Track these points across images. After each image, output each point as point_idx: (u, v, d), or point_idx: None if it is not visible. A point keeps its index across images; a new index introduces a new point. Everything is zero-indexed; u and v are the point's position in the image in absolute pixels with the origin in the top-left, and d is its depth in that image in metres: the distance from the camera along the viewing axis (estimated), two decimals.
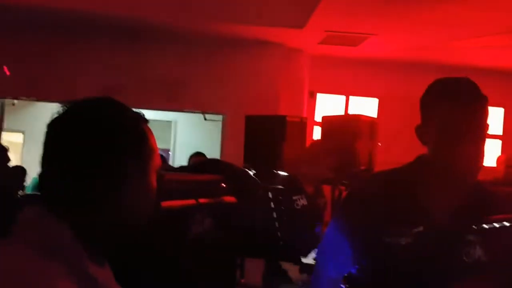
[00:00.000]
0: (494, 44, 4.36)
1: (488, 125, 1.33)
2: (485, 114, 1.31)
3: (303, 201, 2.25)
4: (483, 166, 1.35)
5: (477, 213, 1.34)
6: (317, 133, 4.77)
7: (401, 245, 1.29)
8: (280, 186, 2.26)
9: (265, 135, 3.39)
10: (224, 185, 1.68)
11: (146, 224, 0.83)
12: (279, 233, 2.06)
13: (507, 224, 1.33)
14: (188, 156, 4.56)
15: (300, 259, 2.19)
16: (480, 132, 1.30)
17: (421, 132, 1.35)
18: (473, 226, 1.33)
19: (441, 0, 3.45)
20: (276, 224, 2.07)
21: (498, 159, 4.52)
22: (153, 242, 1.41)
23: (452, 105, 1.29)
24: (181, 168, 2.53)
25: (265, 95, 4.76)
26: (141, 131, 0.82)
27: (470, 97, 1.30)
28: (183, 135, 6.89)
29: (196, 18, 4.28)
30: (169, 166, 3.95)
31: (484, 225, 1.33)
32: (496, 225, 1.34)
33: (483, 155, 1.33)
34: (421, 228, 1.31)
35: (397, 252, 1.30)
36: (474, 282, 1.27)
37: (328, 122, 3.56)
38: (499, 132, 5.38)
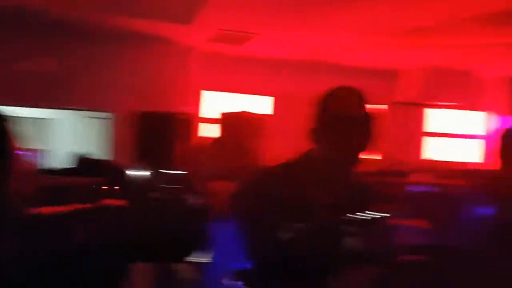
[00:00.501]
0: (380, 44, 4.71)
1: (371, 131, 1.48)
2: (368, 120, 1.47)
3: (194, 200, 2.20)
4: (367, 160, 1.48)
5: (357, 206, 1.43)
6: (208, 131, 4.74)
7: (286, 240, 1.32)
8: (169, 185, 2.19)
9: (155, 133, 3.27)
10: (106, 188, 1.55)
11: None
12: (168, 234, 1.99)
13: (381, 215, 1.44)
14: (70, 156, 4.19)
15: (191, 258, 2.14)
16: (364, 134, 1.46)
17: (314, 133, 1.46)
18: (352, 217, 1.40)
19: (329, 0, 3.62)
20: (165, 224, 2.00)
21: (382, 153, 4.91)
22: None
23: (345, 116, 1.43)
24: (60, 171, 2.32)
25: (155, 92, 4.59)
26: None
27: (355, 107, 1.45)
28: (64, 134, 6.33)
29: (76, 6, 3.93)
30: (47, 168, 3.59)
31: (362, 216, 1.42)
32: (372, 216, 1.44)
33: (363, 149, 1.45)
34: (304, 223, 1.35)
35: (283, 247, 1.32)
36: (353, 272, 1.34)
37: (226, 119, 3.56)
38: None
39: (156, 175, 2.31)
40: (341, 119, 1.42)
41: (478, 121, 6.30)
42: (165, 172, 2.37)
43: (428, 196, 2.96)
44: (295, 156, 1.50)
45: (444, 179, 3.82)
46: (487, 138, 6.23)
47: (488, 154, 6.14)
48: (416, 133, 6.10)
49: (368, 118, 1.46)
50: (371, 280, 1.36)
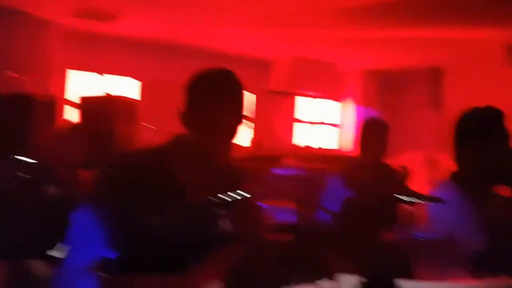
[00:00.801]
0: (252, 33, 4.81)
1: (243, 112, 1.48)
2: (240, 101, 1.47)
3: (54, 190, 2.02)
4: (238, 145, 1.50)
5: (226, 188, 1.45)
6: (71, 114, 4.38)
7: (156, 225, 1.28)
8: (26, 175, 1.97)
9: (9, 116, 2.88)
10: None
11: None
12: (22, 226, 1.80)
13: (248, 196, 1.48)
14: None
15: (52, 253, 1.96)
16: (234, 118, 1.45)
17: (184, 116, 1.42)
18: (221, 200, 1.42)
19: None
20: (18, 216, 1.81)
21: (250, 140, 5.09)
22: None
23: (214, 97, 1.41)
24: None
25: (10, 70, 4.07)
26: None
27: (230, 89, 1.44)
28: None
29: None
30: None
31: (231, 198, 1.44)
32: (240, 197, 1.48)
33: (233, 133, 1.46)
34: (176, 207, 1.32)
35: (154, 233, 1.28)
36: (223, 254, 1.36)
37: (86, 103, 3.31)
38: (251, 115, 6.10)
39: (11, 163, 2.06)
40: (210, 102, 1.41)
41: (338, 111, 6.93)
42: (22, 160, 2.12)
43: (295, 179, 3.16)
44: (164, 140, 1.46)
45: (310, 163, 4.15)
46: (345, 126, 6.91)
47: (344, 141, 6.82)
48: (288, 120, 6.47)
49: (239, 102, 1.47)
50: (238, 259, 1.39)
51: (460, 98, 6.12)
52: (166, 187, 1.33)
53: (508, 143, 1.66)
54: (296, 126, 6.60)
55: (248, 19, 4.25)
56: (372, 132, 2.50)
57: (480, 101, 5.78)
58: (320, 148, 6.59)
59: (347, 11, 3.87)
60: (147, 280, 1.26)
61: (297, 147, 5.06)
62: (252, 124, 5.98)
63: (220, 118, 1.41)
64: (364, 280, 0.74)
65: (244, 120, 1.49)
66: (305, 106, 6.72)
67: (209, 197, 1.39)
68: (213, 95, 1.42)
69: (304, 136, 6.60)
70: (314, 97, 6.66)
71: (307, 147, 4.87)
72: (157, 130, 3.48)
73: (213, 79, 1.46)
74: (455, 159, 1.75)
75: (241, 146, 4.63)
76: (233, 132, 1.45)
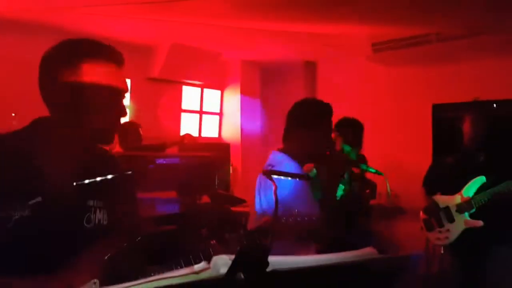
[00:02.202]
0: (121, 14, 4.54)
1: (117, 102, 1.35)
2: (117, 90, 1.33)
3: None
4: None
5: (100, 179, 1.33)
6: None
7: (15, 220, 1.13)
8: None
9: None
10: None
11: None
12: None
13: (126, 187, 1.39)
14: None
15: None
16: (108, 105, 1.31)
17: (47, 95, 1.28)
18: (95, 190, 1.31)
19: None
20: None
21: (124, 125, 4.82)
22: None
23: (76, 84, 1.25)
24: None
25: None
26: None
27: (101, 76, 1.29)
28: None
29: None
30: None
31: (107, 189, 1.34)
32: (118, 188, 1.38)
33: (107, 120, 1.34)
34: (39, 199, 1.18)
35: (11, 227, 1.13)
36: (97, 247, 1.26)
37: None
38: (127, 102, 5.84)
39: None
40: (77, 87, 1.26)
41: (218, 99, 7.00)
42: None
43: (177, 168, 3.11)
44: (22, 126, 1.29)
45: (194, 152, 4.12)
46: (227, 115, 7.01)
47: (227, 130, 6.94)
48: (173, 109, 6.33)
49: (117, 89, 1.33)
50: (118, 252, 1.31)
51: (331, 89, 6.66)
52: (28, 178, 1.18)
53: (330, 131, 2.04)
54: (181, 115, 6.51)
55: (128, 2, 4.02)
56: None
57: (348, 92, 6.31)
58: (202, 137, 6.60)
59: (232, 1, 3.90)
60: (10, 284, 1.10)
61: (184, 137, 4.96)
62: (137, 113, 5.73)
63: (88, 105, 1.26)
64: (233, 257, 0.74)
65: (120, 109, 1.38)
66: (189, 95, 6.65)
67: (80, 188, 1.28)
68: (76, 71, 1.25)
69: (188, 125, 6.54)
70: (197, 85, 6.62)
71: (190, 136, 4.82)
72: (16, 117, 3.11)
73: (81, 51, 1.28)
74: (285, 138, 2.06)
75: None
76: (104, 115, 1.30)
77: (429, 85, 5.46)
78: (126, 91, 1.35)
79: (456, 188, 3.06)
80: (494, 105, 3.88)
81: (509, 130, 3.20)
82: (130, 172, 1.38)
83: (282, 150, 2.09)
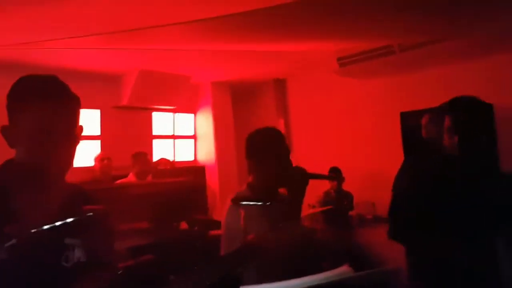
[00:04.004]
0: (86, 45, 4.50)
1: (81, 126, 1.32)
2: (76, 115, 1.30)
3: None
4: (79, 166, 1.36)
5: (69, 213, 1.30)
6: None
7: None
8: None
9: None
10: None
11: None
12: None
13: (96, 220, 1.36)
14: None
15: None
16: (70, 132, 1.28)
17: (9, 134, 1.24)
18: (66, 226, 1.28)
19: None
20: None
21: (96, 158, 4.78)
22: None
23: (41, 105, 1.22)
24: None
25: None
26: None
27: (60, 97, 1.26)
28: None
29: None
30: None
31: (76, 224, 1.31)
32: (88, 222, 1.35)
33: (73, 155, 1.32)
34: (14, 241, 1.14)
35: None
36: (79, 285, 1.23)
37: None
38: (98, 132, 5.74)
39: None
40: (35, 114, 1.22)
41: (191, 123, 7.00)
42: None
43: (152, 196, 3.07)
44: None
45: (168, 178, 4.07)
46: (200, 138, 6.99)
47: (201, 153, 6.91)
48: (144, 136, 6.27)
49: (72, 116, 1.29)
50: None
51: (303, 106, 6.75)
52: (1, 220, 1.15)
53: (288, 157, 2.05)
54: (153, 141, 6.46)
55: (85, 30, 3.99)
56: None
57: (319, 107, 6.40)
58: (177, 162, 6.55)
59: (198, 24, 3.92)
60: None
61: (154, 163, 4.91)
62: (99, 141, 5.65)
63: (54, 135, 1.22)
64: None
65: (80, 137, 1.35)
66: (161, 120, 6.62)
67: (51, 225, 1.24)
68: (45, 109, 1.22)
69: (161, 150, 6.49)
70: (168, 110, 6.59)
71: (164, 161, 4.78)
72: None
73: (43, 88, 1.25)
74: (249, 171, 2.06)
75: (86, 167, 4.31)
76: (69, 151, 1.28)
77: (396, 94, 5.60)
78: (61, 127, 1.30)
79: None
80: None
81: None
82: (99, 208, 1.35)
83: (250, 184, 2.08)
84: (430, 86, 5.22)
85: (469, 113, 2.07)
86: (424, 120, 3.32)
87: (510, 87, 4.69)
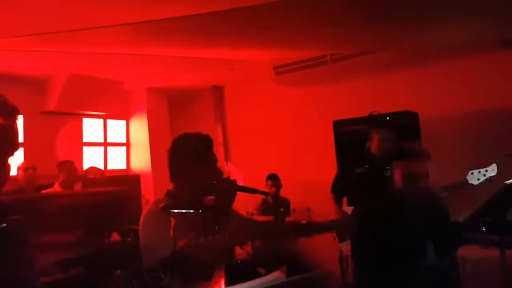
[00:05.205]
0: (10, 47, 4.21)
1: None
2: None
3: None
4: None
5: None
6: None
7: None
8: None
9: None
10: None
11: None
12: None
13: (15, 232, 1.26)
14: None
15: None
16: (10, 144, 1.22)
17: None
18: None
19: None
20: None
21: (19, 167, 4.51)
22: None
23: None
24: None
25: None
26: None
27: None
28: None
29: None
30: None
31: None
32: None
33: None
34: None
35: None
36: None
37: None
38: (21, 140, 5.36)
39: None
40: None
41: (124, 129, 6.76)
42: None
43: (75, 207, 2.91)
44: None
45: (100, 187, 3.89)
46: (134, 146, 6.77)
47: (135, 161, 6.69)
48: (75, 143, 5.96)
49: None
50: None
51: (240, 113, 6.78)
52: None
53: (215, 164, 1.99)
54: (83, 148, 6.15)
55: (19, 32, 3.74)
56: None
57: (256, 114, 6.45)
58: (110, 170, 6.29)
59: (130, 28, 3.80)
60: None
61: (83, 171, 4.68)
62: (22, 149, 5.29)
63: None
64: None
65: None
66: (92, 127, 6.33)
67: None
68: None
69: (91, 158, 6.19)
70: (99, 117, 6.33)
71: (94, 170, 4.57)
72: None
73: None
74: (171, 178, 1.99)
75: (11, 176, 4.00)
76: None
77: (329, 102, 5.79)
78: None
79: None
80: (387, 118, 4.20)
81: (403, 138, 3.46)
82: (14, 219, 1.25)
83: (172, 192, 2.01)
84: (360, 95, 5.46)
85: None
86: (376, 137, 3.42)
87: (432, 97, 5.02)
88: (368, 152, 3.50)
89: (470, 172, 3.11)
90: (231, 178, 1.95)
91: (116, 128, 6.66)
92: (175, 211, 1.53)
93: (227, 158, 6.79)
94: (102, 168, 6.03)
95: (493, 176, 3.05)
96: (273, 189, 5.13)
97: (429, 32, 4.18)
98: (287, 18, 3.62)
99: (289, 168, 5.61)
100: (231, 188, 1.90)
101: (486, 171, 3.07)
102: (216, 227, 1.78)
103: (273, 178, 5.15)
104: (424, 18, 3.80)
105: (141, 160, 6.59)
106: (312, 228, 1.94)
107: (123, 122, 6.74)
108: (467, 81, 4.88)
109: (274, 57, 5.29)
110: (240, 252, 2.02)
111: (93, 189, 3.65)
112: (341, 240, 4.08)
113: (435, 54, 4.96)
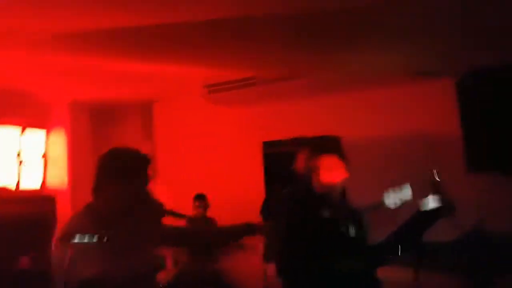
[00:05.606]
0: None
1: None
2: None
3: None
4: None
5: None
6: None
7: None
8: None
9: None
10: None
11: None
12: None
13: None
14: None
15: None
16: None
17: None
18: None
19: None
20: None
21: None
22: None
23: None
24: None
25: None
26: None
27: None
28: None
29: None
30: None
31: None
32: None
33: None
34: None
35: None
36: None
37: None
38: None
39: None
40: None
41: (41, 145, 6.25)
42: None
43: None
44: None
45: (6, 208, 3.55)
46: (52, 161, 6.31)
47: (52, 177, 6.23)
48: None
49: None
50: None
51: (168, 129, 6.62)
52: None
53: (147, 181, 1.94)
54: None
55: None
56: None
57: (186, 132, 6.33)
58: (20, 188, 5.77)
59: (55, 39, 3.58)
60: None
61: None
62: None
63: None
64: None
65: None
66: (4, 141, 5.80)
67: None
68: None
69: (3, 175, 5.66)
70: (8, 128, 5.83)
71: (3, 189, 4.18)
72: None
73: None
74: (95, 192, 1.91)
75: None
76: None
77: (258, 123, 5.86)
78: None
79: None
80: (312, 140, 4.33)
81: None
82: None
83: (91, 207, 1.90)
84: (288, 117, 5.59)
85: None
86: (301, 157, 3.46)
87: (354, 121, 5.27)
88: (294, 173, 3.56)
89: (386, 194, 3.26)
90: (160, 201, 1.87)
91: (33, 143, 6.16)
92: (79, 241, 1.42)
93: (154, 176, 6.58)
94: (13, 187, 5.52)
95: (407, 199, 3.21)
96: (200, 210, 5.06)
97: (345, 62, 4.43)
98: (214, 37, 3.64)
99: (217, 187, 5.55)
100: (159, 212, 1.83)
101: (401, 193, 3.23)
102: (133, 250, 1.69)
103: (200, 198, 5.08)
104: (340, 50, 4.03)
105: (58, 179, 6.14)
106: (227, 231, 1.91)
107: (41, 136, 6.25)
108: (387, 108, 5.18)
109: (207, 75, 5.27)
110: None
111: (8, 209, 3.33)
112: (267, 259, 4.08)
113: (357, 81, 5.23)
